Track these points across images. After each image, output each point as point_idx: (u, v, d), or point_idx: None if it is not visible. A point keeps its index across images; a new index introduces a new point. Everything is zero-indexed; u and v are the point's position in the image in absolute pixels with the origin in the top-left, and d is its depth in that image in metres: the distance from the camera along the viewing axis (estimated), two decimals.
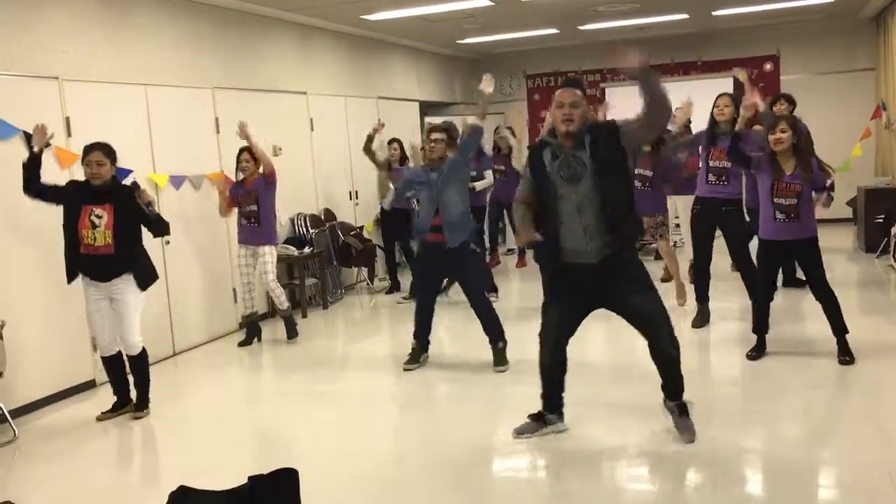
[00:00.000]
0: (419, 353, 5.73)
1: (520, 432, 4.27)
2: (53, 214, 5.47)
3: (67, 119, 5.61)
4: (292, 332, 6.86)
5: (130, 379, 5.18)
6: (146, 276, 4.98)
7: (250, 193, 6.63)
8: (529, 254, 9.73)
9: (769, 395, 4.77)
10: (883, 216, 8.58)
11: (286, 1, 7.55)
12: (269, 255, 6.70)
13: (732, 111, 5.81)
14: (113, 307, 4.95)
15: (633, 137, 3.92)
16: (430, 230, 5.49)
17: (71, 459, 4.47)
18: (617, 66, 3.78)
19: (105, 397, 5.53)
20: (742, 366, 5.33)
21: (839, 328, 5.23)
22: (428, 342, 5.78)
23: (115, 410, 5.14)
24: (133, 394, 5.17)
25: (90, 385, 5.75)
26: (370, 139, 8.43)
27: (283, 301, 6.84)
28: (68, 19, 5.71)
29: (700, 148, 6.21)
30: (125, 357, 5.11)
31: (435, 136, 5.57)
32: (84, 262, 4.84)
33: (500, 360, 5.52)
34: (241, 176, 6.68)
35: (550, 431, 4.28)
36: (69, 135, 5.62)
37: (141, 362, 5.09)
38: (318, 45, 8.87)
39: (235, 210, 6.73)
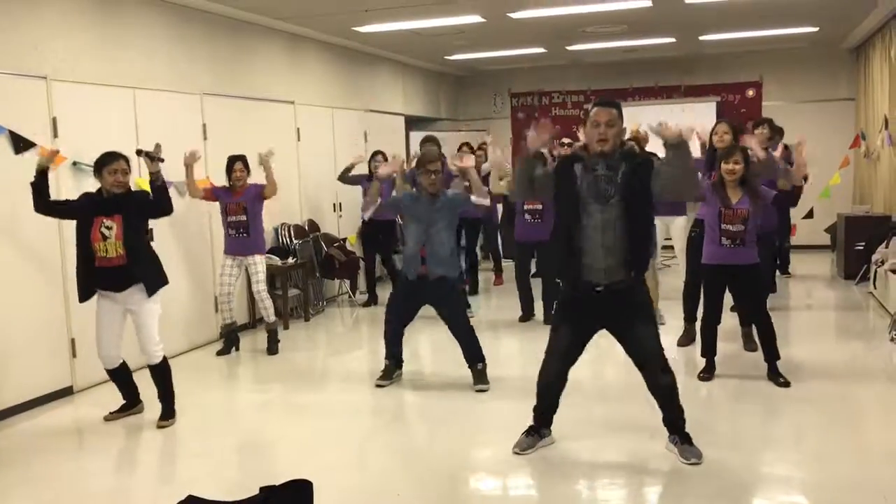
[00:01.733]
0: (392, 370, 5.69)
1: (521, 448, 4.26)
2: (41, 219, 5.39)
3: (54, 119, 5.51)
4: (273, 348, 6.74)
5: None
6: (155, 281, 4.87)
7: (239, 204, 6.58)
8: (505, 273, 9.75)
9: (754, 417, 4.79)
10: (863, 244, 8.68)
11: (278, 9, 7.51)
12: (259, 264, 6.67)
13: (731, 138, 5.91)
14: (131, 319, 4.88)
15: (661, 188, 3.89)
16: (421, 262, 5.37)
17: (48, 467, 4.35)
18: (662, 133, 3.82)
19: (83, 405, 5.45)
20: (726, 386, 5.36)
21: (772, 354, 5.39)
22: (401, 360, 5.75)
23: (123, 411, 5.10)
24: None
25: (68, 391, 5.62)
26: (349, 169, 8.35)
27: (270, 314, 6.76)
28: (59, 19, 5.63)
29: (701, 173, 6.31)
30: (148, 367, 5.00)
31: (434, 167, 5.35)
32: (100, 276, 4.76)
33: (480, 379, 5.46)
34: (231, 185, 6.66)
35: (545, 444, 4.32)
36: (55, 135, 5.52)
37: (163, 372, 4.98)
38: (308, 56, 8.83)
39: (221, 221, 6.70)
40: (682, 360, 5.99)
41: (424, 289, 5.42)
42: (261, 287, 6.68)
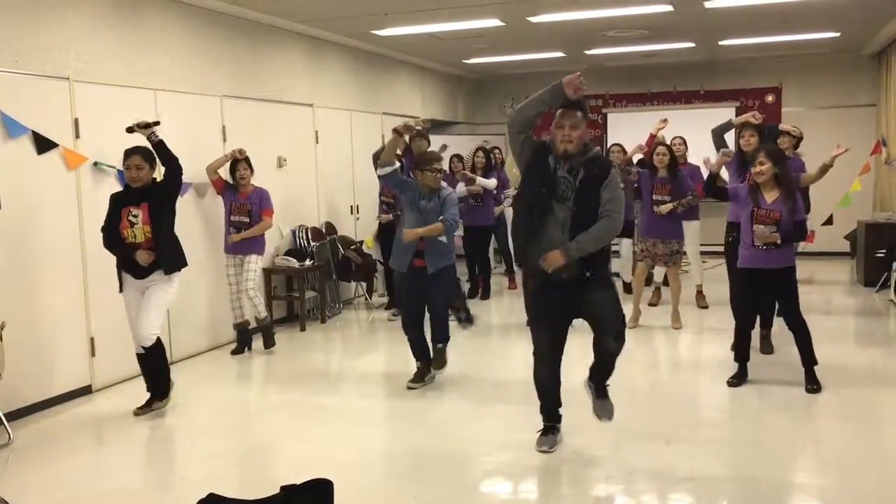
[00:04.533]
0: (424, 372, 5.68)
1: (549, 446, 4.30)
2: (60, 220, 5.44)
3: (76, 120, 5.56)
4: (269, 341, 6.86)
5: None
6: (173, 261, 5.13)
7: (243, 206, 6.66)
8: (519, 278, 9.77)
9: (776, 423, 4.75)
10: (884, 251, 8.60)
11: (298, 13, 7.54)
12: (254, 263, 6.74)
13: (757, 141, 5.90)
14: (144, 294, 5.09)
15: (605, 198, 4.00)
16: (414, 255, 5.44)
17: (66, 465, 4.38)
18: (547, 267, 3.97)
19: (101, 403, 5.48)
20: (749, 391, 5.31)
21: (809, 358, 5.33)
22: (430, 361, 5.74)
23: (149, 405, 5.23)
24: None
25: (87, 390, 5.65)
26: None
27: (261, 309, 6.81)
28: (82, 21, 5.68)
29: (729, 177, 6.31)
30: (142, 349, 5.18)
31: (439, 165, 5.47)
32: (129, 259, 5.03)
33: (438, 360, 5.67)
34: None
35: (560, 438, 4.39)
36: (77, 136, 5.56)
37: (154, 352, 5.16)
38: (327, 59, 8.86)
39: (224, 218, 6.79)
40: (713, 364, 5.97)
41: (421, 278, 5.46)
42: (249, 286, 6.69)
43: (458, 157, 9.19)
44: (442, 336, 5.68)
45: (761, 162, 5.13)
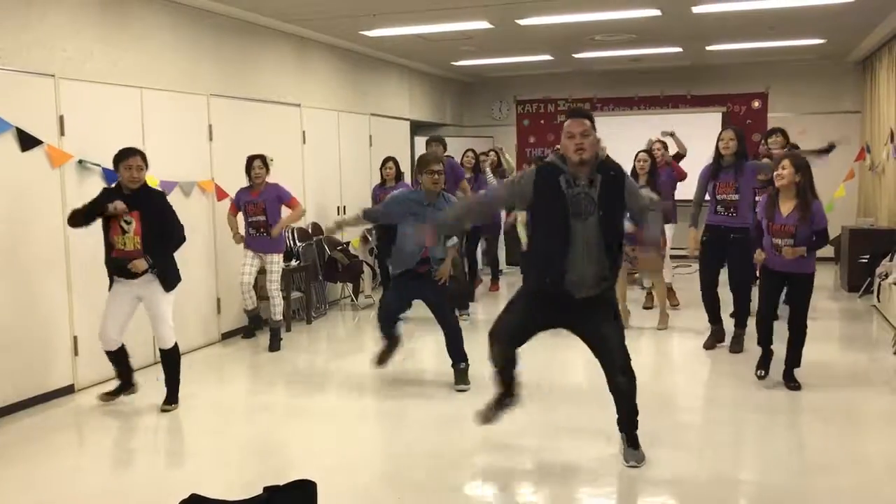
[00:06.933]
0: (391, 349, 5.73)
1: (486, 418, 4.35)
2: (45, 218, 5.40)
3: (61, 118, 5.52)
4: (276, 345, 6.87)
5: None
6: (171, 278, 5.14)
7: (258, 204, 6.71)
8: (504, 279, 9.79)
9: (755, 425, 4.77)
10: (867, 256, 8.67)
11: (286, 12, 7.52)
12: (276, 263, 6.87)
13: (736, 145, 5.94)
14: (144, 304, 5.10)
15: (631, 205, 4.00)
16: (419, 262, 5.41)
17: (47, 465, 4.35)
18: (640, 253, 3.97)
19: (84, 403, 5.44)
20: (728, 393, 5.35)
21: (794, 360, 5.42)
22: (397, 339, 5.75)
23: (117, 394, 5.31)
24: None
25: (69, 390, 5.61)
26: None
27: (278, 312, 6.91)
28: (67, 18, 5.64)
29: (702, 180, 6.37)
30: (157, 350, 5.32)
31: (437, 168, 5.40)
32: (117, 264, 4.99)
33: (461, 379, 5.53)
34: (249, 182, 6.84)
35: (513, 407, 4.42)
36: (62, 134, 5.52)
37: (172, 356, 5.23)
38: (315, 59, 8.84)
39: (243, 219, 6.86)
40: (708, 362, 6.01)
41: (413, 280, 5.45)
42: (274, 286, 6.85)
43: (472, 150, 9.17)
44: (460, 356, 5.56)
45: (783, 166, 5.15)
